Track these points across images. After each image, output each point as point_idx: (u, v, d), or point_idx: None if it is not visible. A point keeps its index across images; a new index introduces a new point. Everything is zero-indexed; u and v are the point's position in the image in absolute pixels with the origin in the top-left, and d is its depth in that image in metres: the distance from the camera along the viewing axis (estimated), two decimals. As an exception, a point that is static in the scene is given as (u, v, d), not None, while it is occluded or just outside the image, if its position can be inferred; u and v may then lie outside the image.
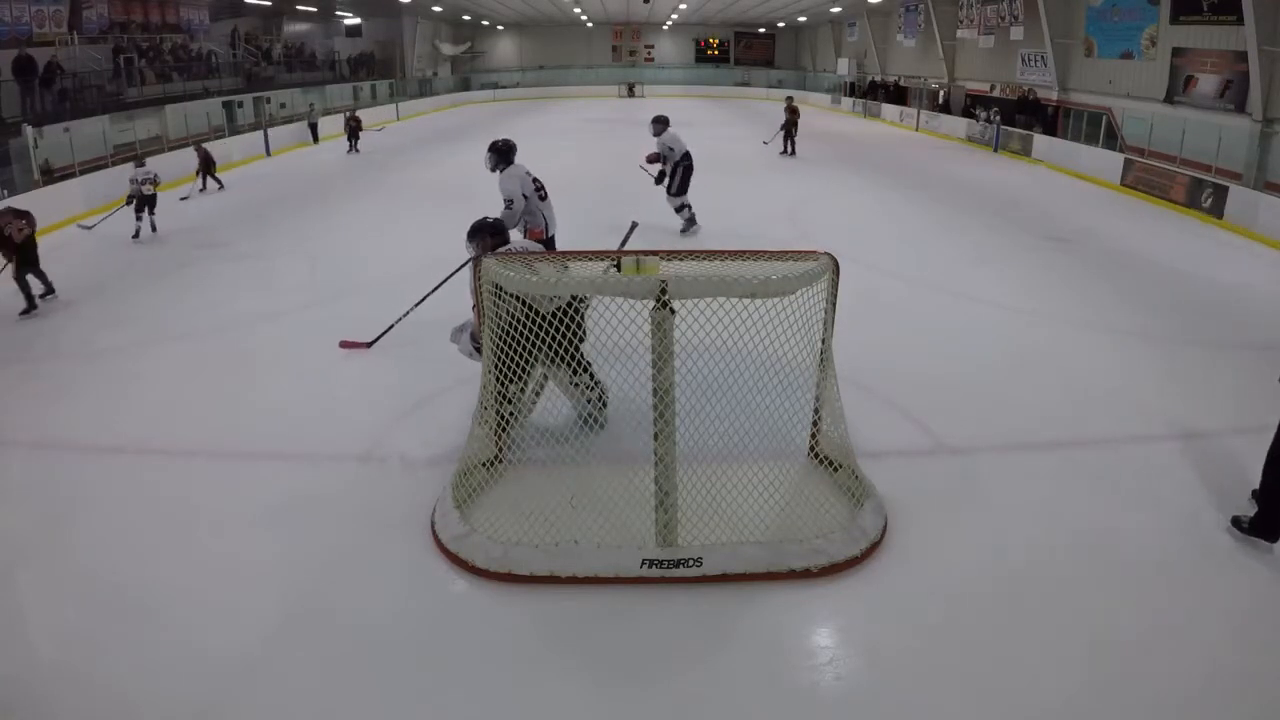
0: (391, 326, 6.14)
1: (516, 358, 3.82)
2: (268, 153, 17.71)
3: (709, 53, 40.61)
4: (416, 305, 6.14)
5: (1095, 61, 16.76)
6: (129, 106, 16.09)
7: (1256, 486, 3.84)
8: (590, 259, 3.74)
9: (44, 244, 9.60)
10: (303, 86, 24.00)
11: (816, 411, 4.15)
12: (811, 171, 15.36)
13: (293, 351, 6.12)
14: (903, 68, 27.52)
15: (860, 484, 3.91)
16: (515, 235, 4.79)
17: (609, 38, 40.05)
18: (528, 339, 3.75)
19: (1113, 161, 14.13)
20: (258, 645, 3.10)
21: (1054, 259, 8.92)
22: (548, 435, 4.40)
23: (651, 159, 9.64)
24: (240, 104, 19.98)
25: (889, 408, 5.02)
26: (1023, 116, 18.28)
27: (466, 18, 35.53)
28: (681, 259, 3.62)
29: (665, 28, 39.32)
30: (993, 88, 20.99)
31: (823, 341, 3.81)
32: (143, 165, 10.41)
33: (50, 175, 11.83)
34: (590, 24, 38.30)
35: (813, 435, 4.22)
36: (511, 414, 4.15)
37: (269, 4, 24.88)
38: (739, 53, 40.47)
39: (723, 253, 3.56)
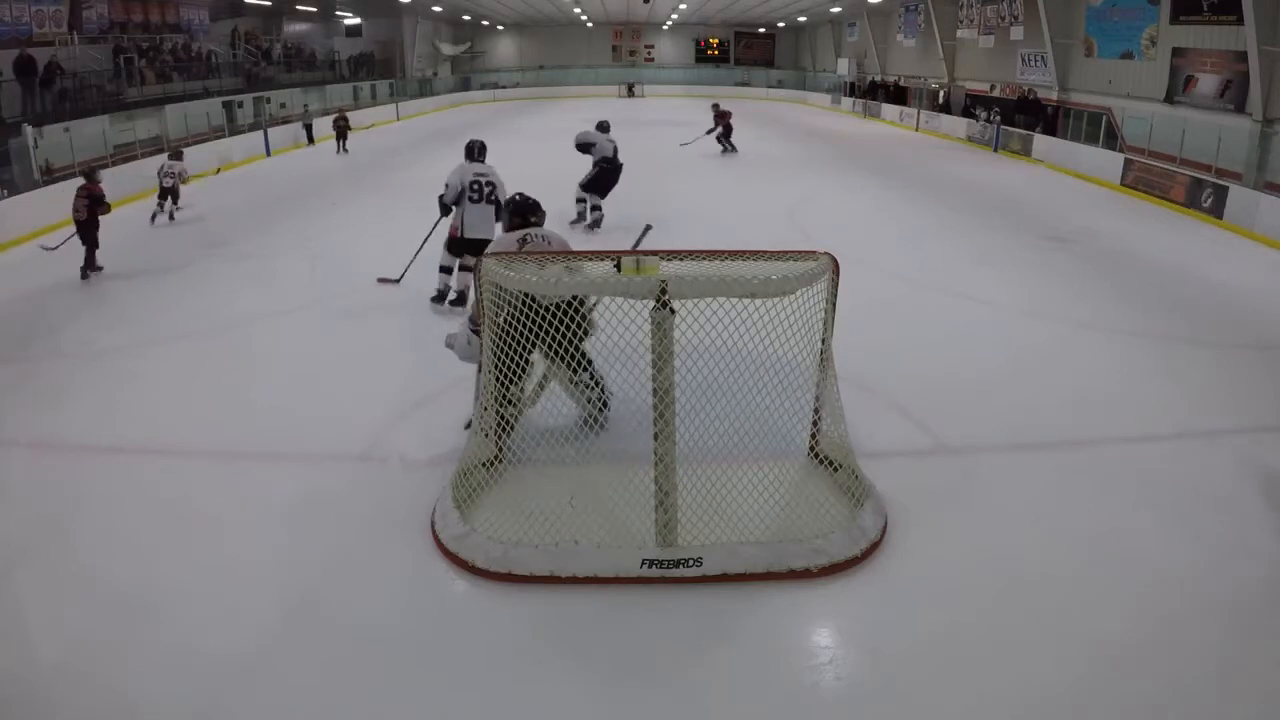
0: (413, 259, 7.43)
1: (516, 349, 3.80)
2: (268, 153, 17.71)
3: (709, 53, 40.61)
4: (430, 232, 7.21)
5: (1095, 61, 16.76)
6: (129, 106, 16.08)
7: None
8: (592, 259, 3.74)
9: (44, 244, 9.61)
10: (303, 86, 23.99)
11: (816, 411, 4.15)
12: (811, 171, 15.36)
13: (293, 352, 6.12)
14: (903, 68, 27.52)
15: (860, 484, 3.91)
16: (553, 229, 4.92)
17: (609, 38, 40.05)
18: (527, 331, 3.73)
19: (1113, 161, 14.13)
20: (258, 645, 3.10)
21: (1054, 259, 8.92)
22: (548, 435, 4.40)
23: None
24: (240, 104, 19.97)
25: (889, 408, 5.02)
26: (1023, 116, 18.28)
27: (466, 18, 35.53)
28: (682, 259, 3.62)
29: (665, 28, 39.33)
30: (993, 88, 20.99)
31: (823, 341, 3.81)
32: (179, 159, 10.99)
33: (50, 175, 11.82)
34: (590, 24, 38.30)
35: (813, 435, 4.22)
36: (514, 415, 4.15)
37: (269, 4, 24.88)
38: (739, 53, 40.47)
39: (723, 253, 3.56)
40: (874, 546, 3.61)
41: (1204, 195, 11.50)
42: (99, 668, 3.00)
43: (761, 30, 39.67)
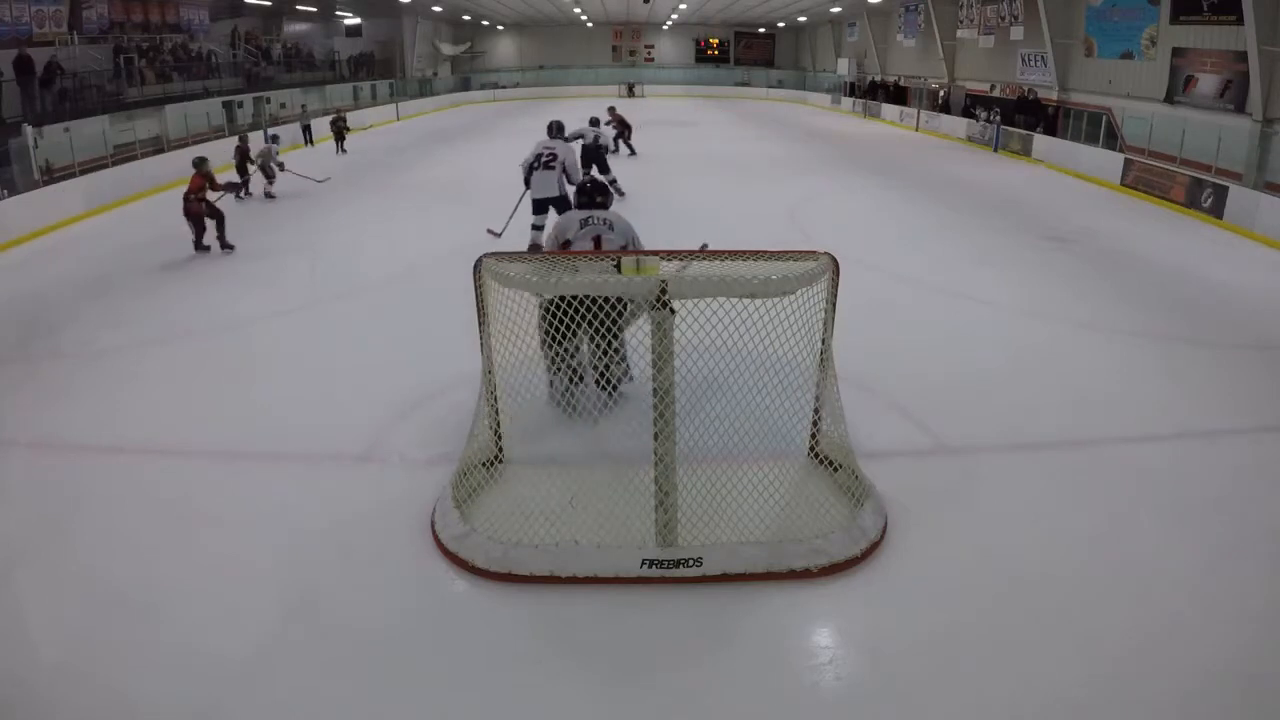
0: (512, 214, 8.38)
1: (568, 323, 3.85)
2: (268, 152, 17.69)
3: (709, 53, 40.60)
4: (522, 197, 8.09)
5: (1095, 61, 16.75)
6: (129, 106, 16.07)
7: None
8: (593, 259, 3.75)
9: (44, 244, 9.64)
10: (303, 87, 23.98)
11: (816, 411, 4.15)
12: (811, 172, 15.36)
13: (293, 351, 6.13)
14: (903, 68, 27.52)
15: (860, 484, 3.91)
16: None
17: (609, 38, 40.04)
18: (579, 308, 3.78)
19: (1113, 161, 14.13)
20: (258, 645, 3.10)
21: (1054, 259, 8.92)
22: (548, 435, 4.40)
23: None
24: (240, 104, 19.96)
25: (889, 408, 5.02)
26: (1023, 116, 18.28)
27: (466, 18, 35.52)
28: (681, 259, 3.62)
29: (665, 28, 39.32)
30: (993, 88, 20.98)
31: (823, 341, 3.81)
32: (277, 141, 13.11)
33: (50, 175, 11.82)
34: (590, 24, 38.29)
35: (813, 435, 4.22)
36: (566, 372, 4.55)
37: (269, 4, 24.88)
38: (739, 53, 40.47)
39: (723, 253, 3.56)
40: (874, 546, 3.61)
41: (1204, 195, 11.50)
42: (99, 668, 3.00)
43: (761, 30, 39.66)
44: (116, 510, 4.02)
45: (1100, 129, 15.94)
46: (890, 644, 3.13)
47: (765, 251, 3.58)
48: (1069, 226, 10.61)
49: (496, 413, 4.14)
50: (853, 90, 30.63)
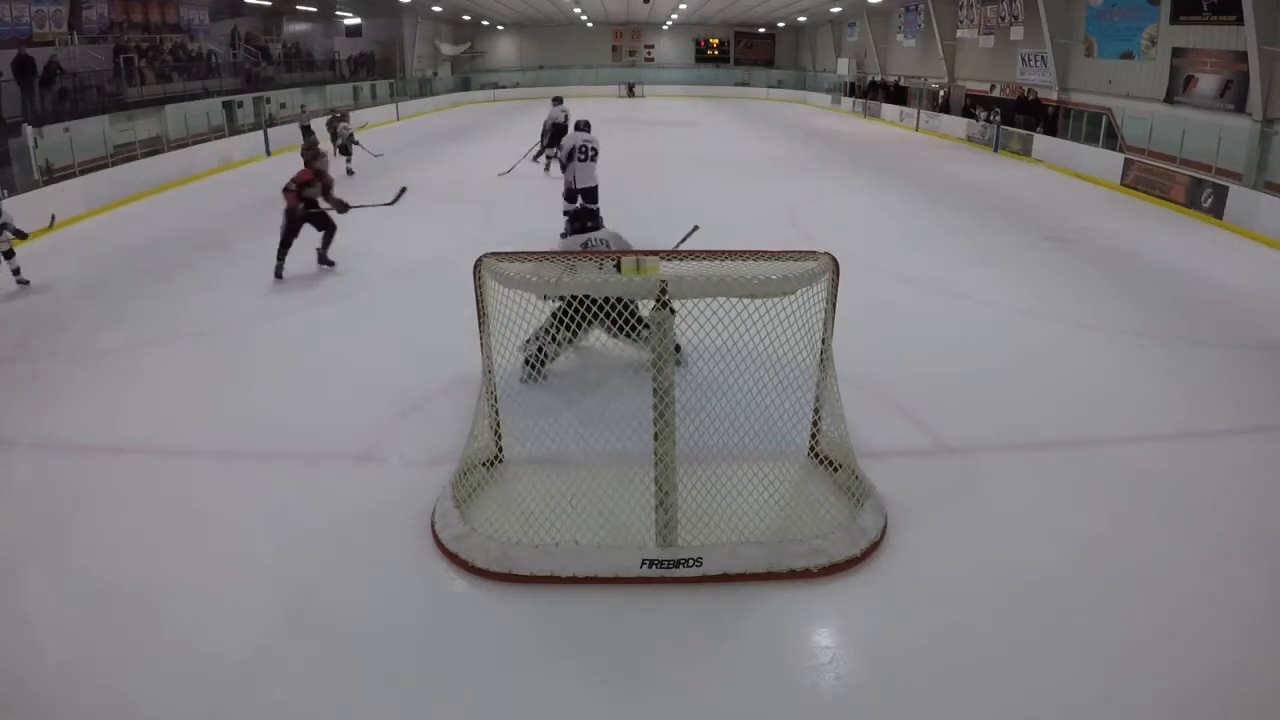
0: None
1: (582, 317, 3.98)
2: (268, 152, 17.69)
3: (709, 53, 40.57)
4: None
5: (1095, 61, 16.75)
6: (129, 106, 16.06)
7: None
8: (594, 259, 3.75)
9: (45, 244, 9.62)
10: (303, 86, 23.97)
11: (816, 411, 4.15)
12: (811, 172, 15.36)
13: (293, 352, 6.13)
14: (903, 68, 27.51)
15: (860, 484, 3.91)
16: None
17: (609, 38, 40.01)
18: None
19: (1113, 161, 14.13)
20: (258, 645, 3.10)
21: (1054, 259, 8.92)
22: (548, 435, 4.40)
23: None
24: (240, 104, 19.94)
25: (889, 408, 5.02)
26: (1023, 116, 18.28)
27: (466, 18, 35.51)
28: (682, 259, 3.62)
29: (665, 28, 39.30)
30: (993, 88, 20.98)
31: (823, 341, 3.81)
32: (345, 120, 14.15)
33: (50, 175, 11.81)
34: (590, 24, 38.26)
35: (813, 435, 4.22)
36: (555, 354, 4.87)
37: (269, 4, 24.87)
38: (739, 53, 40.44)
39: (723, 253, 3.56)
40: (874, 546, 3.61)
41: (1204, 195, 11.50)
42: (99, 668, 3.01)
43: (761, 30, 39.65)
44: (116, 510, 4.02)
45: (1100, 129, 15.95)
46: (890, 644, 3.13)
47: (765, 251, 3.59)
48: (1069, 226, 10.61)
49: (496, 413, 4.14)
50: (853, 90, 30.63)
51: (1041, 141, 16.88)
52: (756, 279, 3.39)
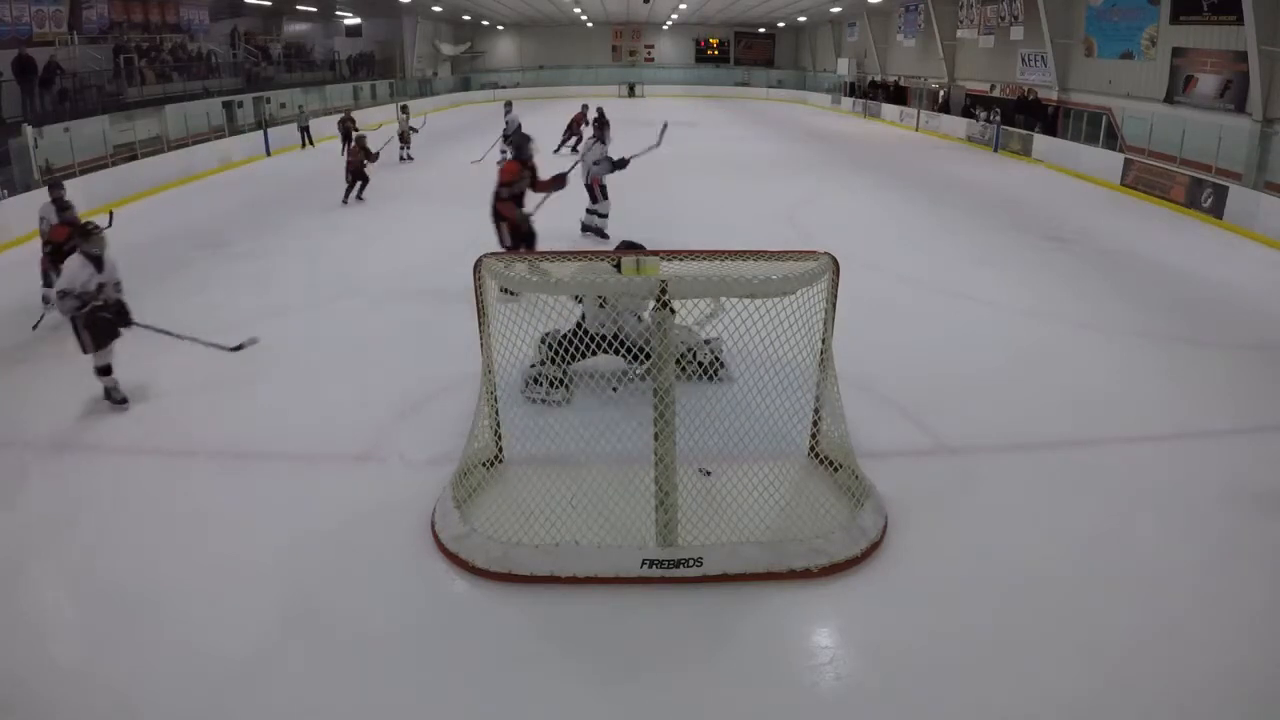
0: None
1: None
2: (268, 153, 17.68)
3: (709, 53, 40.55)
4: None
5: (1095, 61, 16.75)
6: (129, 106, 16.05)
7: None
8: (594, 259, 3.75)
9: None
10: (303, 86, 23.96)
11: (816, 411, 4.15)
12: (811, 172, 15.35)
13: (293, 351, 6.12)
14: (903, 68, 27.50)
15: (860, 484, 3.91)
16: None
17: (609, 38, 39.99)
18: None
19: (1113, 161, 14.13)
20: (258, 645, 3.11)
21: (1054, 259, 8.92)
22: (548, 435, 4.40)
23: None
24: (240, 104, 19.93)
25: (889, 408, 5.02)
26: (1023, 116, 18.27)
27: (466, 18, 35.50)
28: (682, 259, 3.62)
29: (665, 28, 39.28)
30: (993, 88, 20.97)
31: (823, 341, 3.81)
32: (405, 112, 15.79)
33: (50, 175, 11.80)
34: (590, 24, 38.25)
35: (813, 435, 4.22)
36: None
37: (269, 4, 24.86)
38: (739, 53, 40.43)
39: (723, 253, 3.56)
40: (874, 546, 3.61)
41: (1204, 195, 11.50)
42: (99, 668, 3.01)
43: (761, 30, 39.63)
44: (117, 510, 4.03)
45: (1100, 129, 15.94)
46: (890, 644, 3.13)
47: (765, 251, 3.59)
48: (1069, 226, 10.61)
49: (496, 413, 4.14)
50: (853, 90, 30.62)
51: (1041, 141, 16.88)
52: (756, 279, 3.39)
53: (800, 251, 3.66)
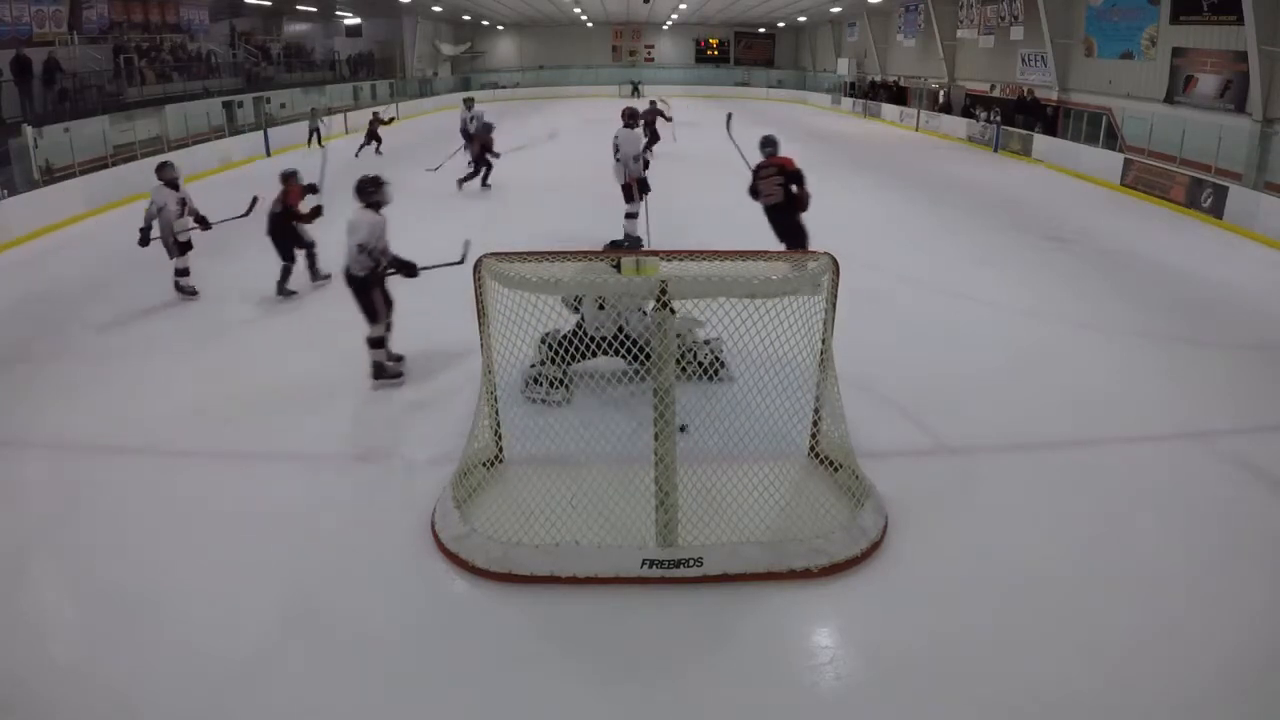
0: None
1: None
2: (268, 153, 17.67)
3: (709, 53, 40.55)
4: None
5: (1095, 61, 16.75)
6: (129, 106, 16.05)
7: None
8: (594, 259, 3.75)
9: (46, 244, 9.64)
10: (303, 86, 23.96)
11: (816, 411, 4.15)
12: (812, 172, 15.31)
13: (293, 352, 6.12)
14: (903, 68, 27.51)
15: (860, 484, 3.91)
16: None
17: (609, 38, 40.00)
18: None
19: (1113, 161, 14.12)
20: (258, 645, 3.11)
21: (1054, 259, 8.92)
22: (548, 435, 4.40)
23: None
24: (240, 104, 19.93)
25: (889, 408, 5.02)
26: (1023, 116, 18.27)
27: (466, 18, 35.50)
28: (681, 259, 3.62)
29: (665, 28, 39.29)
30: (993, 88, 20.98)
31: (823, 341, 3.81)
32: (470, 109, 14.34)
33: (50, 175, 11.81)
34: (590, 24, 38.26)
35: (813, 435, 4.22)
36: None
37: (269, 4, 24.87)
38: (739, 53, 40.43)
39: (723, 253, 3.56)
40: (874, 546, 3.61)
41: (1204, 195, 11.50)
42: (99, 668, 3.01)
43: (761, 30, 39.64)
44: (117, 511, 4.03)
45: (1100, 129, 15.94)
46: (890, 644, 3.13)
47: (765, 251, 3.59)
48: (1069, 226, 10.61)
49: (496, 413, 4.14)
50: (853, 90, 30.62)
51: (1041, 141, 16.88)
52: (756, 279, 3.39)
53: (800, 251, 3.66)
